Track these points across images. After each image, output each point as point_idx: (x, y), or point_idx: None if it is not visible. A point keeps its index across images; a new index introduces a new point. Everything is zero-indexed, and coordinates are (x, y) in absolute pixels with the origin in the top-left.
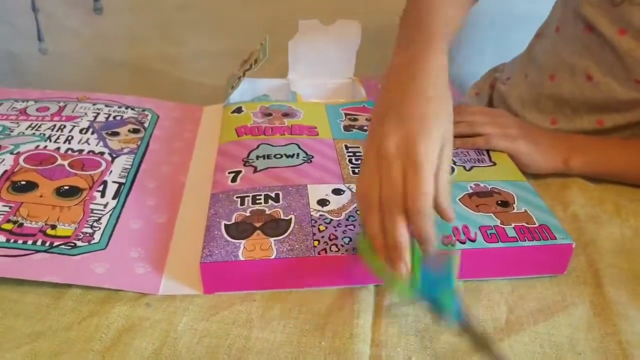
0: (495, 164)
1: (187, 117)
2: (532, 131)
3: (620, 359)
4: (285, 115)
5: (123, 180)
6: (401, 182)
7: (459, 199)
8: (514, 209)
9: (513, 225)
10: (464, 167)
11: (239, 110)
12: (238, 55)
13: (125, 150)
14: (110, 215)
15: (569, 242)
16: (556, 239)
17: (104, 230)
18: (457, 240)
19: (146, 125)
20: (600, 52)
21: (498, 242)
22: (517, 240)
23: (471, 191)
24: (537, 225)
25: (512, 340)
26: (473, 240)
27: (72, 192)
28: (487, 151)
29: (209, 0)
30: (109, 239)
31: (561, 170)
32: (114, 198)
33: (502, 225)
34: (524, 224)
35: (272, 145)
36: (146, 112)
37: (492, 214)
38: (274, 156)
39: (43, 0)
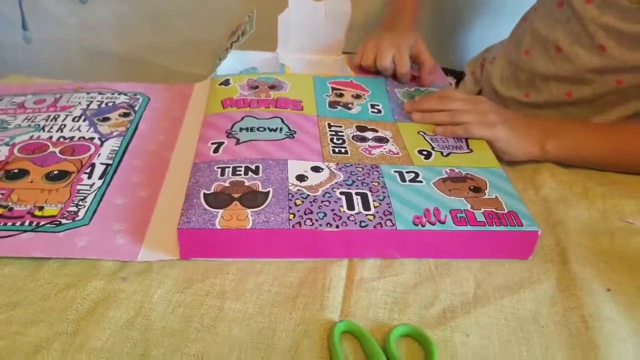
0: (472, 150)
1: (177, 96)
2: (509, 117)
3: (582, 331)
4: (272, 87)
5: (110, 162)
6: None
7: (432, 183)
8: (485, 194)
9: (483, 210)
10: (441, 153)
11: (226, 82)
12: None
13: (114, 134)
14: (96, 194)
15: (534, 229)
16: (523, 225)
17: (88, 208)
18: (428, 221)
19: (137, 108)
20: (568, 23)
21: (466, 225)
22: (484, 225)
23: (445, 176)
24: (506, 211)
25: (478, 313)
26: (443, 222)
27: (60, 176)
28: (466, 139)
29: None
30: (93, 215)
31: (537, 156)
32: (100, 178)
33: (472, 210)
34: (493, 210)
35: (257, 118)
36: (137, 96)
37: (463, 199)
38: (257, 129)
39: None
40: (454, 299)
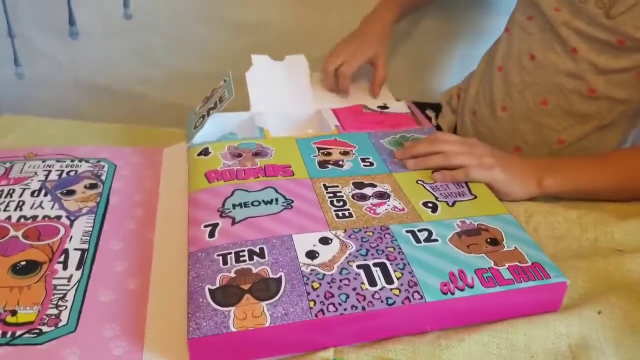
0: (476, 196)
1: (147, 162)
2: (505, 159)
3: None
4: (256, 154)
5: (86, 246)
6: None
7: (448, 240)
8: (504, 247)
9: (507, 265)
10: (447, 203)
11: (205, 151)
12: (218, 77)
13: (84, 210)
14: (76, 289)
15: (563, 280)
16: (550, 277)
17: (71, 309)
18: (456, 287)
19: (103, 178)
20: (541, 32)
21: (495, 286)
22: (513, 283)
23: (459, 230)
24: (529, 263)
25: (472, 339)
26: (471, 287)
27: (29, 267)
28: (466, 182)
29: (186, 23)
30: (78, 318)
31: (537, 194)
32: (77, 268)
33: (497, 267)
34: (517, 264)
35: (248, 191)
36: (102, 163)
37: (484, 255)
38: (252, 203)
39: (19, 26)
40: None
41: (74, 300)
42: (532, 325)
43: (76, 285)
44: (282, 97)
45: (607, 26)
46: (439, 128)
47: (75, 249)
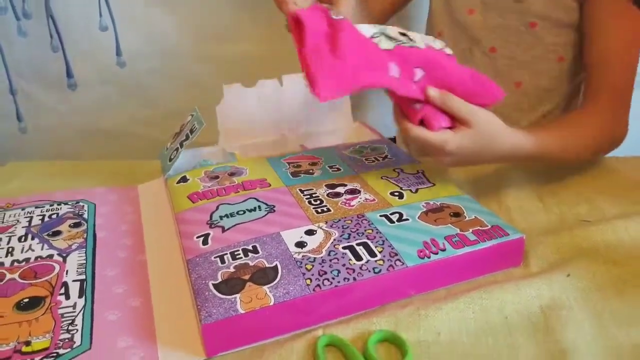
0: (434, 184)
1: (124, 199)
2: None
3: (541, 319)
4: (232, 174)
5: (83, 277)
6: None
7: (417, 217)
8: (465, 217)
9: (471, 230)
10: (411, 191)
11: (184, 179)
12: (210, 111)
13: (73, 247)
14: (83, 314)
15: (520, 236)
16: (509, 234)
17: (82, 330)
18: (431, 252)
19: (85, 216)
20: (455, 45)
21: (464, 247)
22: (478, 242)
23: (425, 209)
24: (489, 227)
25: (449, 308)
26: (444, 250)
27: (33, 303)
28: (424, 174)
29: (175, 63)
30: (91, 337)
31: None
32: (80, 297)
33: (462, 232)
34: (479, 228)
35: (231, 204)
36: (81, 204)
37: (450, 225)
38: (237, 213)
39: (20, 82)
40: (427, 296)
41: (82, 323)
42: (505, 291)
43: (82, 310)
44: (253, 125)
45: (517, 10)
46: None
47: (74, 280)
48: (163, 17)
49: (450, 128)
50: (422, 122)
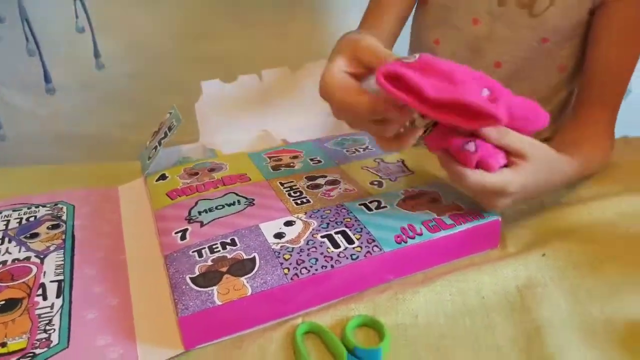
0: (413, 172)
1: (104, 199)
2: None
3: (517, 298)
4: (212, 170)
5: (61, 277)
6: None
7: (396, 205)
8: (443, 202)
9: (447, 214)
10: (390, 179)
11: (163, 177)
12: (193, 110)
13: (51, 248)
14: (61, 314)
15: (496, 218)
16: (485, 217)
17: (59, 330)
18: (408, 237)
19: (64, 218)
20: (453, 54)
21: (440, 230)
22: (454, 226)
23: (403, 196)
24: (465, 210)
25: (426, 290)
26: (420, 235)
27: (10, 305)
28: (404, 163)
29: (156, 64)
30: (68, 336)
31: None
32: (57, 297)
33: (439, 217)
34: (456, 212)
35: (210, 199)
36: (60, 206)
37: (427, 210)
38: (216, 208)
39: None
40: (406, 281)
41: (60, 323)
42: (481, 272)
43: (60, 310)
44: (234, 121)
45: (530, 25)
46: None
47: (52, 281)
48: (141, 18)
49: (505, 165)
50: (478, 164)
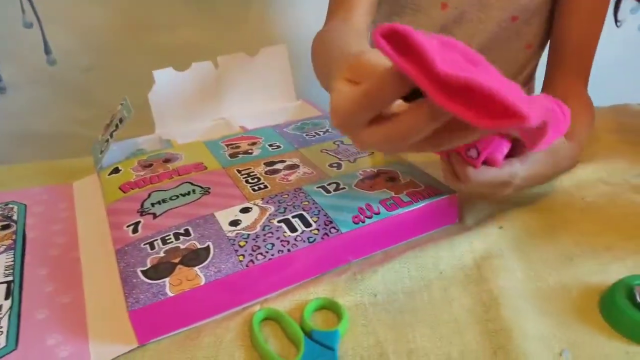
0: (372, 153)
1: (57, 197)
2: None
3: (474, 270)
4: (167, 161)
5: (10, 278)
6: None
7: (354, 185)
8: (401, 181)
9: (405, 192)
10: (349, 161)
11: (116, 170)
12: (148, 106)
13: (1, 249)
14: (9, 315)
15: (453, 194)
16: (442, 193)
17: (8, 332)
18: (365, 217)
19: (15, 217)
20: None
21: (398, 208)
22: (412, 203)
23: (362, 177)
24: (423, 187)
25: (385, 269)
26: (378, 213)
27: None
28: None
29: (110, 57)
30: (17, 337)
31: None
32: (6, 298)
33: (397, 195)
34: (413, 189)
35: (165, 190)
36: (10, 206)
37: (385, 189)
38: (170, 199)
39: None
40: (365, 261)
41: (9, 324)
42: (439, 248)
43: (8, 312)
44: (189, 110)
45: (500, 6)
46: None
47: (1, 283)
48: (93, 10)
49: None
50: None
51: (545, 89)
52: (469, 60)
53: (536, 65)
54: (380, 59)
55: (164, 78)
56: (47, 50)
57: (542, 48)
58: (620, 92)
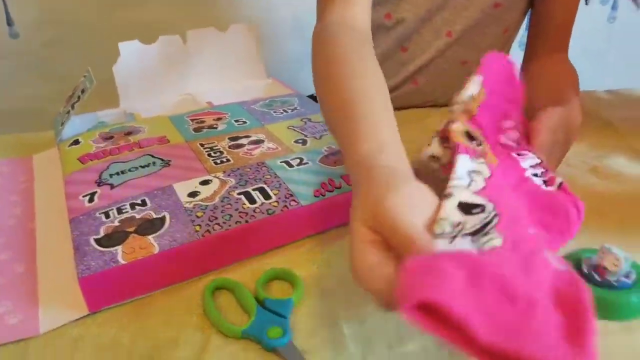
0: None
1: (17, 169)
2: None
3: None
4: (129, 133)
5: None
6: None
7: (318, 161)
8: None
9: None
10: (315, 137)
11: (76, 142)
12: (113, 81)
13: None
14: None
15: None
16: None
17: None
18: (327, 191)
19: None
20: (405, 28)
21: None
22: None
23: (326, 153)
24: None
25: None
26: (339, 187)
27: None
28: None
29: (76, 31)
30: None
31: None
32: None
33: None
34: None
35: (124, 162)
36: None
37: None
38: (129, 170)
39: None
40: (324, 235)
41: None
42: None
43: None
44: (155, 82)
45: None
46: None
47: None
48: None
49: None
50: None
51: (528, 62)
52: (504, 294)
53: (509, 48)
54: (405, 209)
55: (130, 50)
56: (9, 23)
57: (516, 31)
58: (587, 80)
